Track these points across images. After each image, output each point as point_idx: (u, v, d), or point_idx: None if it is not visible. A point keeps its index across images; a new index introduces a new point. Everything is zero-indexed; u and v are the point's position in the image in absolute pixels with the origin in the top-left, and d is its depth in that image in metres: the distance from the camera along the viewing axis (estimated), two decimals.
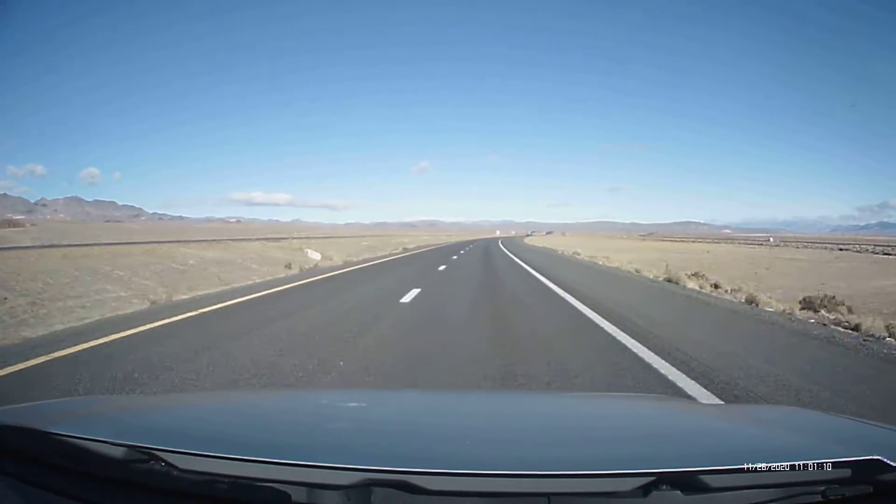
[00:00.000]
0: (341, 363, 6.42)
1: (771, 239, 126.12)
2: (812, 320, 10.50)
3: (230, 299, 12.66)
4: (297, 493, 1.22)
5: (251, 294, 13.78)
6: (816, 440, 1.57)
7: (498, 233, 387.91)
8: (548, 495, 1.18)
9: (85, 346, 7.25)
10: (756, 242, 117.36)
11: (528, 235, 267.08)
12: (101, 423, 1.73)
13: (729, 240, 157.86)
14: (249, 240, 41.55)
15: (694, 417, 2.19)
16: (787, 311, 11.50)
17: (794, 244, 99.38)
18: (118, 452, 1.32)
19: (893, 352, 7.43)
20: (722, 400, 4.99)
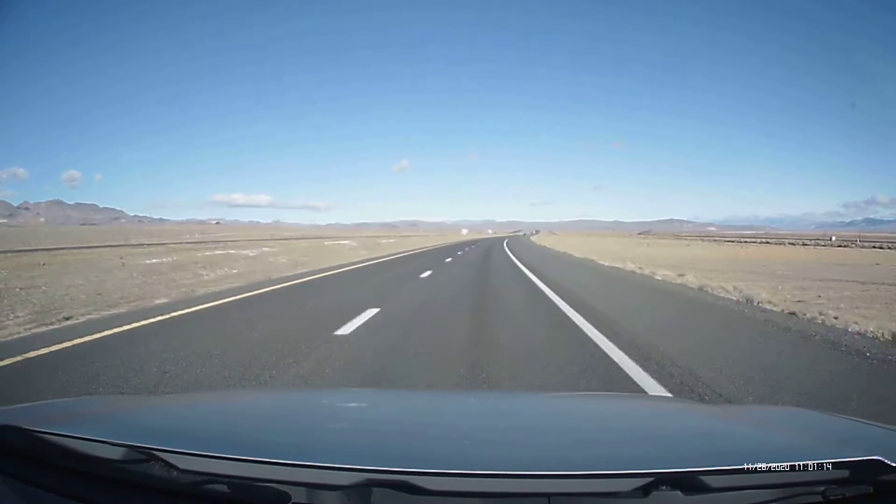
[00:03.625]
0: None
1: (833, 238, 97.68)
2: None
3: None
4: (297, 494, 1.21)
5: None
6: (816, 440, 1.57)
7: (465, 232, 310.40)
8: (548, 495, 1.17)
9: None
10: (816, 241, 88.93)
11: (524, 235, 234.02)
12: (101, 423, 1.73)
13: (764, 238, 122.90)
14: None
15: (694, 417, 2.19)
16: None
17: (860, 243, 76.63)
18: (118, 452, 1.32)
19: None
20: None
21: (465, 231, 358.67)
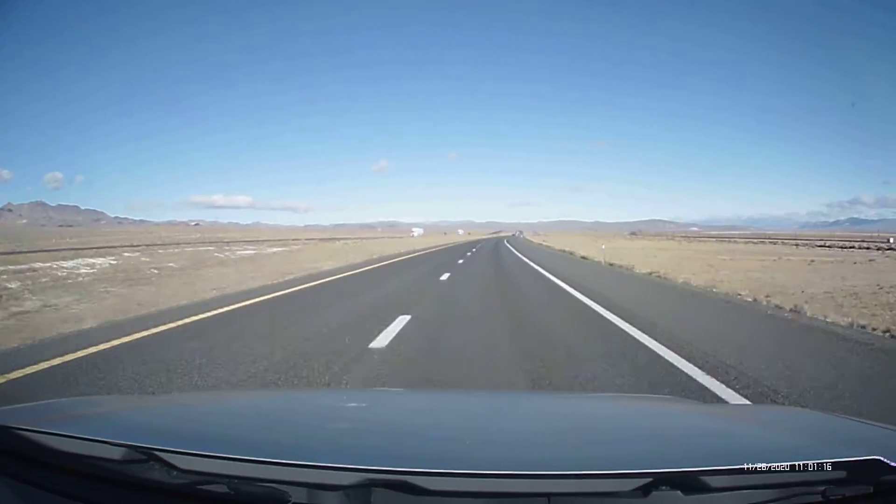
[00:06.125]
0: None
1: (891, 240, 79.26)
2: None
3: None
4: (297, 494, 1.21)
5: None
6: (816, 440, 1.57)
7: (417, 233, 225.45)
8: (548, 495, 1.17)
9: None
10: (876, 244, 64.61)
11: (514, 235, 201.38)
12: (101, 423, 1.74)
13: (776, 240, 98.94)
14: None
15: (694, 417, 2.19)
16: None
17: None
18: (118, 452, 1.32)
19: None
20: None
21: (416, 232, 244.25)
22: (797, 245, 68.77)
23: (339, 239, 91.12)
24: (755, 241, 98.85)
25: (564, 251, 49.79)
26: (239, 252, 39.62)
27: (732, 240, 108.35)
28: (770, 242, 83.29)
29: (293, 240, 77.33)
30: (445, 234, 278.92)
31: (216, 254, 37.03)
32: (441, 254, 44.31)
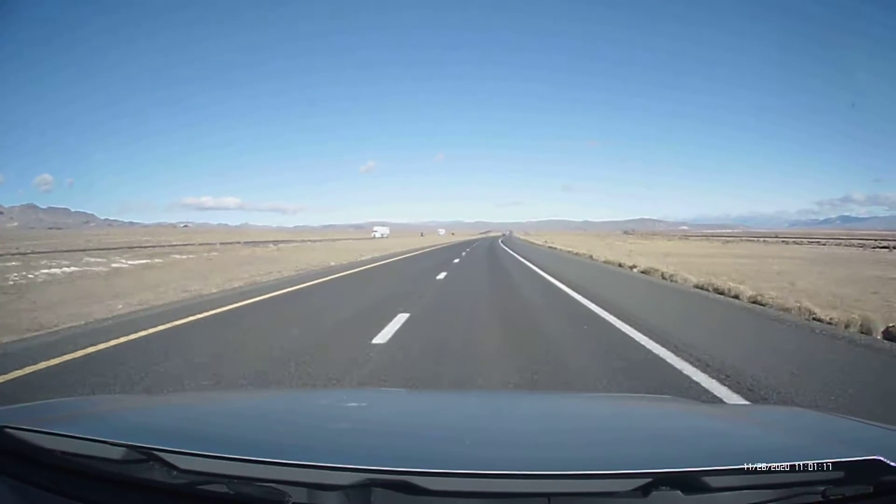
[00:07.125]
0: None
1: None
2: None
3: None
4: (297, 493, 1.21)
5: None
6: (816, 440, 1.57)
7: (380, 233, 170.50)
8: (548, 495, 1.17)
9: None
10: None
11: (505, 235, 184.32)
12: (101, 423, 1.74)
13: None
14: None
15: (694, 417, 2.19)
16: None
17: None
18: (118, 452, 1.32)
19: None
20: None
21: (380, 232, 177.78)
22: (836, 245, 59.30)
23: (281, 241, 75.14)
24: (774, 240, 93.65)
25: (622, 266, 24.99)
26: (76, 269, 22.74)
27: (760, 239, 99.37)
28: (794, 242, 77.17)
29: (222, 243, 63.54)
30: (423, 234, 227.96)
31: (29, 274, 19.78)
32: (389, 274, 22.95)
